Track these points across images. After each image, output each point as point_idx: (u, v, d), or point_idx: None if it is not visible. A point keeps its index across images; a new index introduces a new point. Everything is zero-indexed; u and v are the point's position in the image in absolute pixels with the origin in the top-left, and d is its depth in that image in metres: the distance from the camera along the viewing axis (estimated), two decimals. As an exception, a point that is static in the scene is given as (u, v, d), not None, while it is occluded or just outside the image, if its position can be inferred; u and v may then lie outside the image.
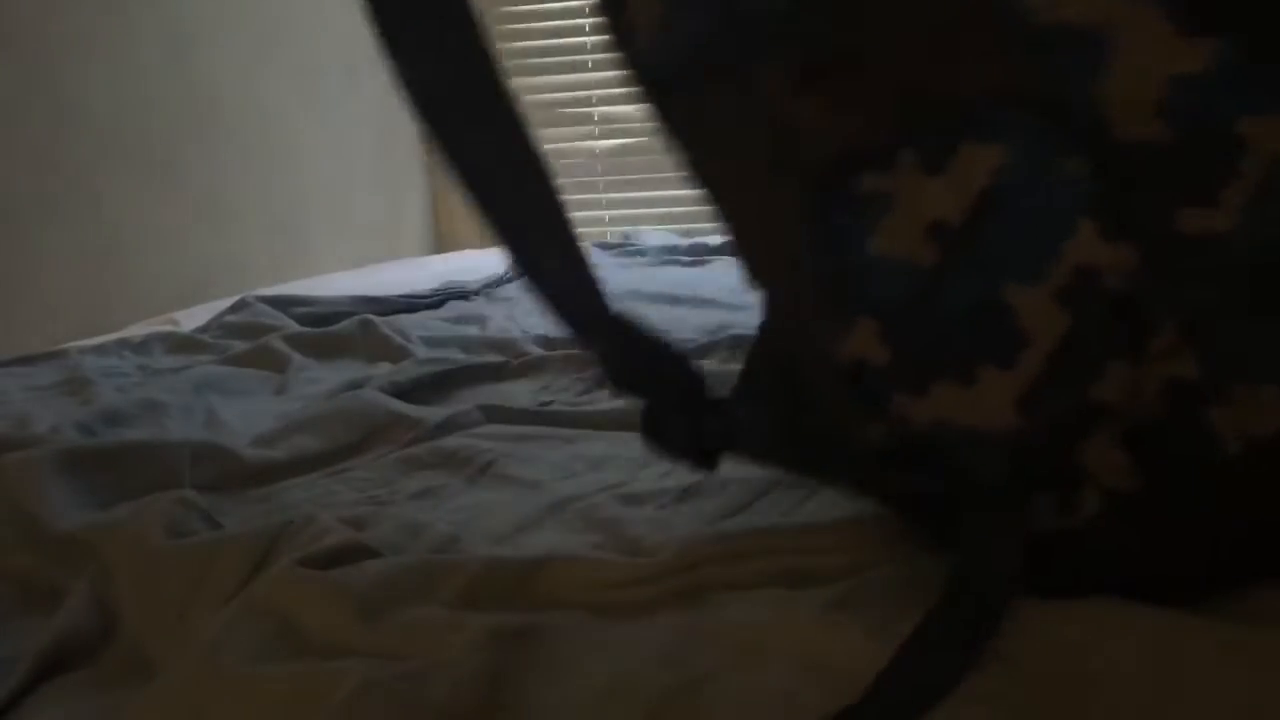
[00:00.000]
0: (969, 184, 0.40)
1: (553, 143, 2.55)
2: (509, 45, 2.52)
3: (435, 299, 1.47)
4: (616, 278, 1.61)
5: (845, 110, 0.41)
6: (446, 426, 0.82)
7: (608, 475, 0.69)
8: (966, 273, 0.40)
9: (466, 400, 0.91)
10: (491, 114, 0.47)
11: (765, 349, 0.54)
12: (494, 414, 0.85)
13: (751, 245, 0.49)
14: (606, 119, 2.51)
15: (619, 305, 0.51)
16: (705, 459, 0.53)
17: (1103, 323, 0.39)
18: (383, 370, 1.05)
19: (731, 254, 0.48)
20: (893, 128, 0.40)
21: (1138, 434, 0.40)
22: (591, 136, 2.53)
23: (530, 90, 2.53)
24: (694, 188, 0.51)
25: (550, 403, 0.89)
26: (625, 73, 0.53)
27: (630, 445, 0.75)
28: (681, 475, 0.67)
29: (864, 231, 0.42)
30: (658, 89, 0.50)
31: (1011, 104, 0.38)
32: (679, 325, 1.19)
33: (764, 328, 0.54)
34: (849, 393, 0.45)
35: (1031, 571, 0.42)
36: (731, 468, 0.67)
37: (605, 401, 0.86)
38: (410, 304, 1.43)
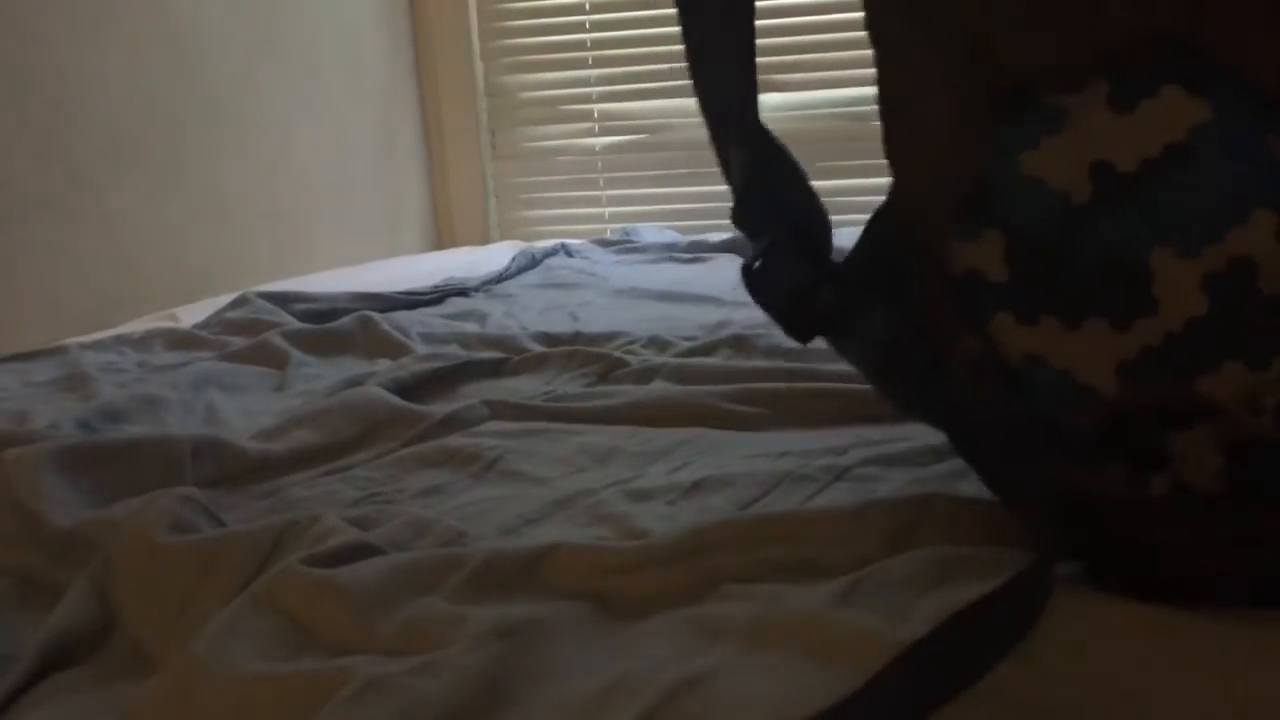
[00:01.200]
0: (1158, 133, 0.37)
1: (552, 139, 2.55)
2: (508, 41, 2.52)
3: (435, 296, 1.47)
4: (616, 275, 1.61)
5: (1046, 22, 0.39)
6: (450, 422, 0.82)
7: (615, 470, 0.69)
8: (1119, 222, 0.38)
9: (468, 396, 0.91)
10: None
11: (879, 236, 0.51)
12: (499, 409, 0.85)
13: (904, 120, 0.46)
14: (606, 115, 2.51)
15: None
16: (802, 326, 0.50)
17: (1238, 320, 0.37)
18: (382, 367, 1.05)
19: (882, 116, 0.45)
20: (1092, 50, 0.38)
21: (1242, 445, 0.39)
22: (591, 133, 2.53)
23: (529, 86, 2.53)
24: (872, 43, 0.48)
25: (557, 396, 0.89)
26: None
27: (637, 439, 0.75)
28: (690, 470, 0.67)
29: (1024, 145, 0.40)
30: None
31: (1235, 56, 0.35)
32: (678, 322, 1.18)
33: (882, 215, 0.51)
34: (954, 300, 0.43)
35: (1079, 537, 0.41)
36: (734, 465, 0.68)
37: (610, 396, 0.86)
38: (410, 301, 1.43)
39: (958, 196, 0.42)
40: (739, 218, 0.51)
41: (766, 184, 0.50)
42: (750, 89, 0.48)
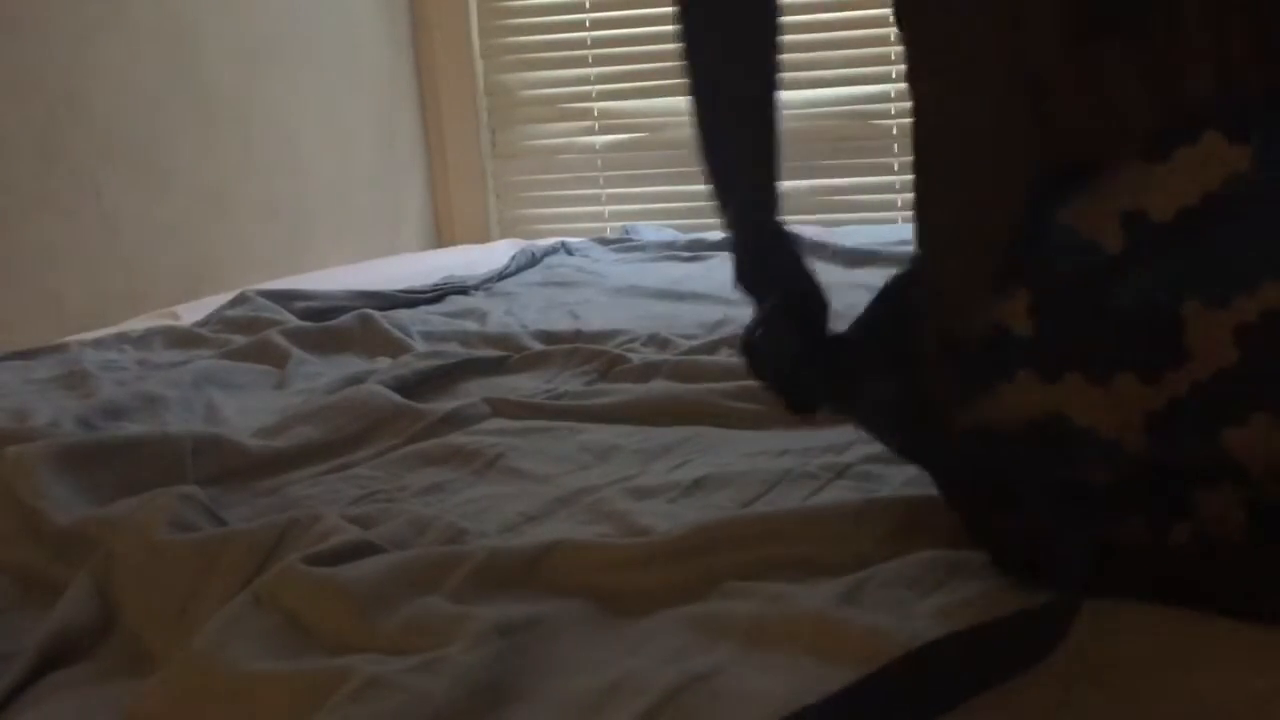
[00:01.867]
0: (1195, 183, 0.37)
1: (552, 138, 2.55)
2: (508, 40, 2.52)
3: (435, 294, 1.47)
4: (616, 273, 1.61)
5: (1104, 78, 0.38)
6: (452, 420, 0.82)
7: (616, 468, 0.69)
8: (1152, 272, 0.38)
9: (469, 394, 0.91)
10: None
11: (893, 303, 0.50)
12: (500, 407, 0.85)
13: (943, 179, 0.45)
14: (606, 114, 2.51)
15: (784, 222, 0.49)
16: (800, 397, 0.50)
17: (1267, 371, 0.37)
18: (382, 365, 1.04)
19: (915, 166, 0.47)
20: (1140, 101, 0.37)
21: (1265, 506, 0.38)
22: (591, 131, 2.53)
23: (530, 85, 2.53)
24: (912, 83, 0.47)
25: (557, 394, 0.89)
26: None
27: (638, 437, 0.75)
28: (690, 468, 0.67)
29: (1059, 200, 0.39)
30: None
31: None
32: (678, 320, 1.18)
33: (901, 281, 0.51)
34: (975, 359, 0.43)
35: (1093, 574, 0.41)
36: (735, 463, 0.68)
37: (611, 394, 0.86)
38: (410, 299, 1.42)
39: (992, 250, 0.42)
40: (739, 281, 0.52)
41: (767, 255, 0.51)
42: (761, 169, 0.48)
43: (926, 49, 0.45)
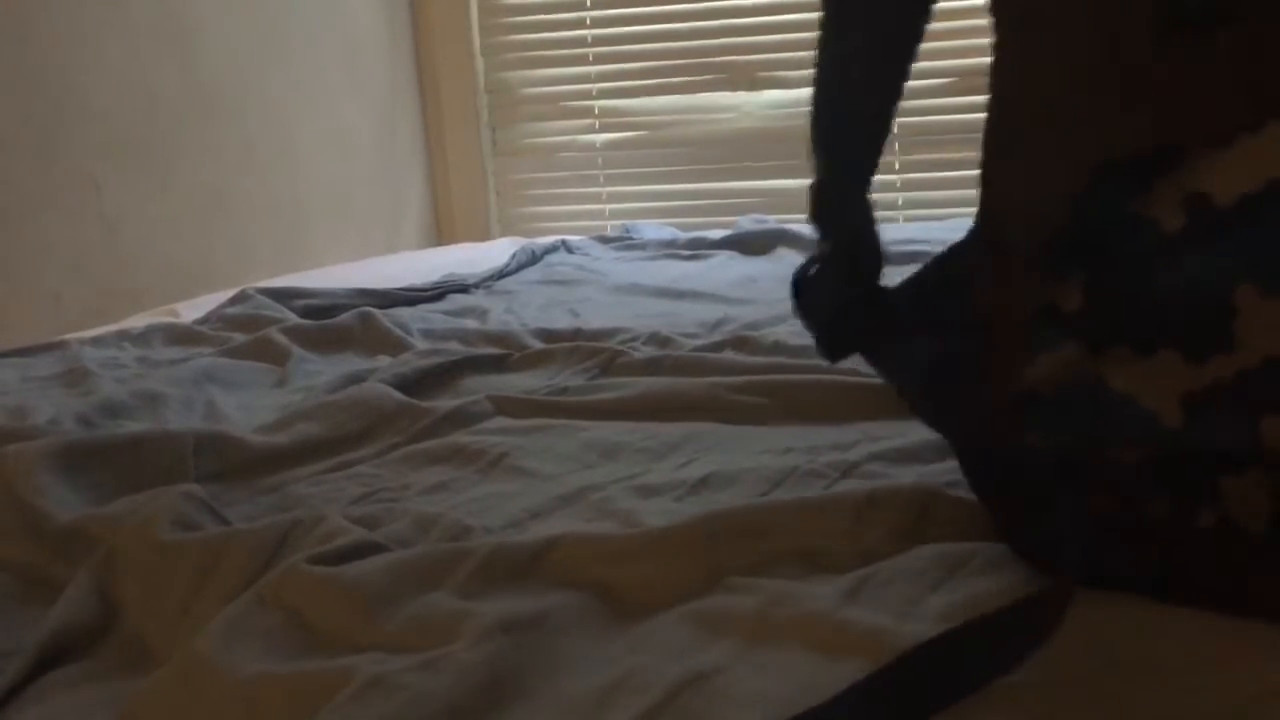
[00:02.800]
0: (1259, 170, 0.37)
1: (552, 136, 2.55)
2: (509, 38, 2.52)
3: (435, 292, 1.47)
4: (616, 271, 1.60)
5: (1193, 77, 0.38)
6: (455, 418, 0.81)
7: (621, 466, 0.69)
8: (1209, 256, 0.38)
9: (470, 392, 0.91)
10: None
11: (948, 268, 0.51)
12: (503, 405, 0.85)
13: (1013, 155, 0.45)
14: (607, 112, 2.51)
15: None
16: (838, 343, 0.50)
17: None
18: (382, 363, 1.04)
19: (990, 143, 0.47)
20: (1226, 92, 0.37)
21: None
22: (592, 130, 2.53)
23: (530, 83, 2.53)
24: (997, 52, 0.46)
25: (560, 390, 0.89)
26: None
27: (642, 435, 0.75)
28: (696, 466, 0.67)
29: (1127, 186, 0.40)
30: None
31: None
32: (679, 319, 1.18)
33: (959, 249, 0.51)
34: (1022, 328, 0.43)
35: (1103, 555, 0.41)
36: (741, 461, 0.68)
37: (614, 390, 0.86)
38: (410, 297, 1.42)
39: (1053, 228, 0.42)
40: (811, 215, 0.53)
41: (829, 196, 0.51)
42: (875, 129, 0.49)
43: (1014, 18, 0.45)
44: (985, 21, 0.45)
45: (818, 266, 0.52)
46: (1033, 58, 0.44)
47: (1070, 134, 0.42)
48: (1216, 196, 0.38)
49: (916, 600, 0.44)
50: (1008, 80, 0.45)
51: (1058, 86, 0.42)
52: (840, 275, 0.51)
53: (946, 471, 0.61)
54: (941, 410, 0.51)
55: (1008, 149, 0.45)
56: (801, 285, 0.52)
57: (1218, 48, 0.37)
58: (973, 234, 0.49)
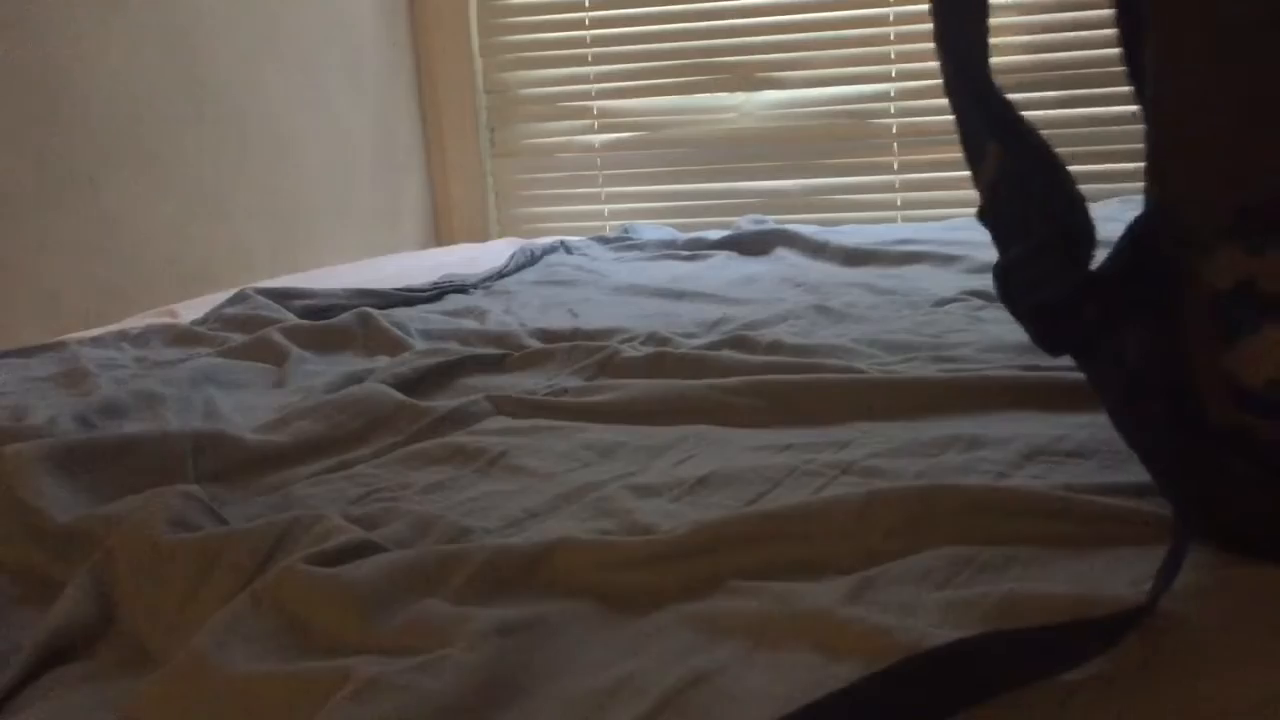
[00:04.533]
0: None
1: (551, 136, 2.55)
2: (508, 38, 2.52)
3: (434, 293, 1.47)
4: (615, 272, 1.60)
5: None
6: (454, 417, 0.81)
7: (619, 465, 0.69)
8: None
9: (469, 392, 0.91)
10: None
11: (1140, 247, 0.48)
12: (502, 404, 0.85)
13: (1184, 127, 0.44)
14: (605, 112, 2.51)
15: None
16: (1055, 338, 0.48)
17: None
18: (381, 363, 1.04)
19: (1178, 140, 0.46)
20: None
21: None
22: (590, 130, 2.53)
23: (529, 84, 2.53)
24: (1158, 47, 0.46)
25: (559, 390, 0.89)
26: None
27: (641, 434, 0.75)
28: (694, 465, 0.67)
29: None
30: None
31: None
32: (677, 319, 1.18)
33: (1142, 225, 0.49)
34: (1217, 313, 0.42)
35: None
36: (739, 459, 0.68)
37: (613, 390, 0.86)
38: (409, 298, 1.42)
39: (1239, 205, 0.41)
40: (987, 213, 0.50)
41: (1026, 183, 0.48)
42: (1000, 98, 0.48)
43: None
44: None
45: (1024, 252, 0.48)
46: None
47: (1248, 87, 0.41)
48: None
49: (919, 601, 0.44)
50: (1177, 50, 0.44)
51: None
52: (1055, 267, 0.47)
53: (946, 468, 0.61)
54: (1144, 417, 0.48)
55: (1181, 121, 0.45)
56: (1007, 274, 0.48)
57: None
58: (1138, 225, 0.48)
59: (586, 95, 2.52)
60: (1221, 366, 0.43)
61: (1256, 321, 0.41)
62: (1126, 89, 0.53)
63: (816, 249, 1.61)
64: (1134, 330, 0.48)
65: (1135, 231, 0.48)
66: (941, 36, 0.50)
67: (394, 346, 1.11)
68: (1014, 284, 0.48)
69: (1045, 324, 0.48)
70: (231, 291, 1.44)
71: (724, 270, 1.56)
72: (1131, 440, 0.48)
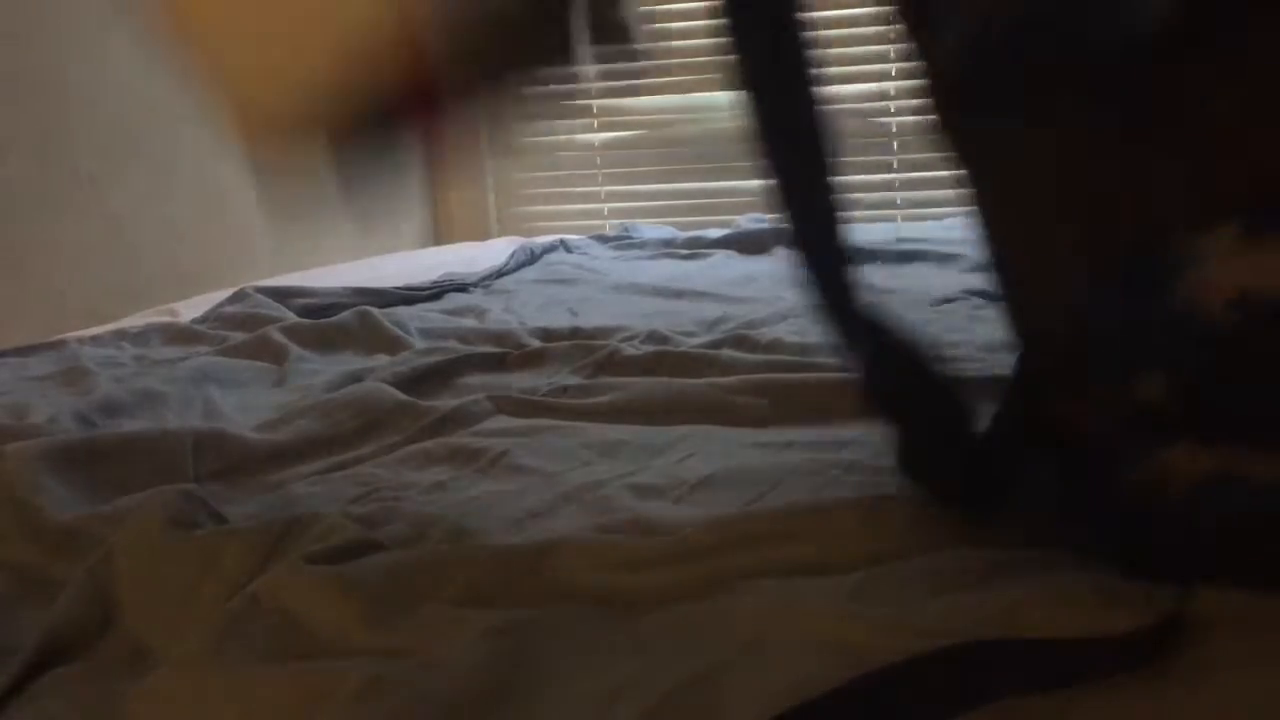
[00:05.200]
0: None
1: (551, 135, 2.54)
2: (508, 37, 2.52)
3: (434, 291, 1.47)
4: (615, 270, 1.60)
5: (1173, 173, 0.39)
6: (454, 417, 0.81)
7: (620, 464, 0.69)
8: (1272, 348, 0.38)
9: (469, 391, 0.91)
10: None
11: (1023, 396, 0.51)
12: (502, 404, 0.85)
13: (1026, 290, 0.47)
14: (605, 111, 2.51)
15: (884, 312, 0.49)
16: (976, 507, 0.50)
17: None
18: (381, 362, 1.04)
19: (1001, 297, 0.49)
20: (1221, 199, 0.38)
21: None
22: (590, 129, 2.53)
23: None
24: (973, 216, 0.48)
25: (559, 389, 0.89)
26: (919, 78, 0.49)
27: (642, 433, 0.75)
28: (696, 464, 0.67)
29: (1166, 289, 0.40)
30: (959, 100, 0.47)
31: None
32: (677, 318, 1.18)
33: (1021, 374, 0.51)
34: (1125, 434, 0.43)
35: None
36: (740, 459, 0.68)
37: (614, 389, 0.85)
38: (409, 296, 1.42)
39: (1110, 346, 0.42)
40: (868, 405, 0.52)
41: (891, 381, 0.50)
42: (851, 288, 0.50)
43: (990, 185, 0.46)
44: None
45: (913, 445, 0.50)
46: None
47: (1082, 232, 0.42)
48: (1261, 289, 0.38)
49: (922, 603, 0.44)
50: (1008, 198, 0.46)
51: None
52: (945, 446, 0.50)
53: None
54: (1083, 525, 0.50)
55: (1026, 272, 0.46)
56: (909, 464, 0.51)
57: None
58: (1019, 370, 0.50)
59: (586, 94, 2.52)
60: (1141, 480, 0.44)
61: (1172, 438, 0.42)
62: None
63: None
64: (1035, 470, 0.50)
65: (1012, 384, 0.51)
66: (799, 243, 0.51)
67: (394, 345, 1.11)
68: (916, 470, 0.51)
69: (955, 497, 0.50)
70: (231, 290, 1.44)
71: (724, 269, 1.56)
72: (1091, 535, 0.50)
